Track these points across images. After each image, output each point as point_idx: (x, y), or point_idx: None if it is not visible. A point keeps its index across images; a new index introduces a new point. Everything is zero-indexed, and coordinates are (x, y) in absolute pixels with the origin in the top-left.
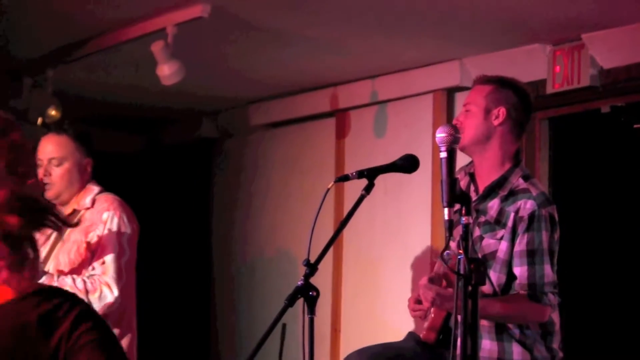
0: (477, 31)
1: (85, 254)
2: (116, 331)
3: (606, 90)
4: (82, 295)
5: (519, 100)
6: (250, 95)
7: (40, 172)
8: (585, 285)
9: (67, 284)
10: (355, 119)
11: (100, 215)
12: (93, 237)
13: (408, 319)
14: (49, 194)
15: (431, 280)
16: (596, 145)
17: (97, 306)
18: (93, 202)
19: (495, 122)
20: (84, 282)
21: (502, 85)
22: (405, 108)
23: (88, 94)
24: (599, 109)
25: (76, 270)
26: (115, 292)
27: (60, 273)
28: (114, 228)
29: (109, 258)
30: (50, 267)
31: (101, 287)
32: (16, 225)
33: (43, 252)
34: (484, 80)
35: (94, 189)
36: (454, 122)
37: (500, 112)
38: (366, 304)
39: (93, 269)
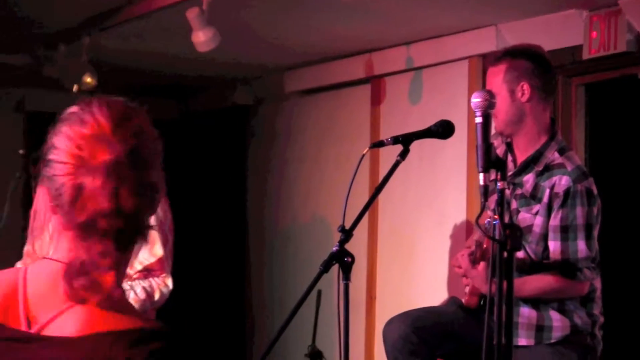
0: None
1: None
2: None
3: None
4: (147, 303)
5: (536, 65)
6: (285, 62)
7: None
8: (622, 253)
9: (130, 296)
10: (390, 85)
11: None
12: None
13: (443, 284)
14: None
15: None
16: (632, 111)
17: (158, 304)
18: None
19: (523, 99)
20: (144, 289)
21: (513, 57)
22: (440, 74)
23: (123, 62)
24: (635, 74)
25: None
26: (170, 285)
27: None
28: (157, 218)
29: (158, 251)
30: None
31: (159, 288)
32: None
33: None
34: (494, 60)
35: None
36: None
37: (524, 88)
38: (401, 270)
39: (141, 263)
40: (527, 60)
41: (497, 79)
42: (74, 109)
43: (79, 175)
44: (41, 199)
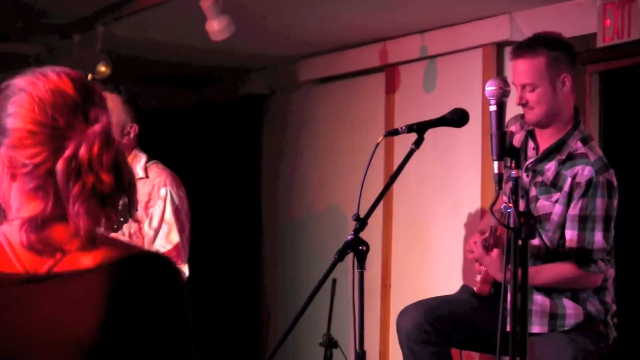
0: None
1: (146, 231)
2: None
3: None
4: None
5: (570, 55)
6: (300, 51)
7: None
8: (637, 242)
9: None
10: (404, 73)
11: (158, 190)
12: (154, 214)
13: (458, 273)
14: None
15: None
16: None
17: None
18: (145, 171)
19: (565, 90)
20: None
21: (551, 48)
22: (454, 63)
23: (137, 51)
24: None
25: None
26: (187, 272)
27: None
28: (174, 205)
29: (175, 238)
30: None
31: None
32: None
33: None
34: (529, 51)
35: (142, 156)
36: (522, 102)
37: (566, 79)
38: (416, 258)
39: (157, 250)
40: (564, 52)
41: (537, 70)
42: (17, 82)
43: (62, 145)
44: None
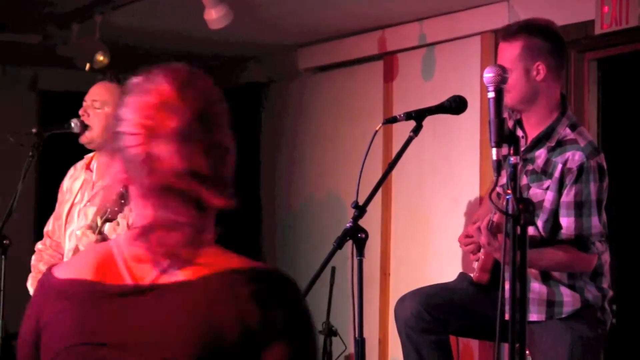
0: None
1: None
2: None
3: None
4: None
5: (552, 44)
6: (298, 39)
7: (81, 110)
8: (635, 228)
9: None
10: (403, 61)
11: None
12: None
13: (457, 261)
14: (83, 139)
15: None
16: None
17: None
18: None
19: (538, 78)
20: None
21: (529, 34)
22: (453, 50)
23: (136, 40)
24: None
25: None
26: None
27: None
28: None
29: None
30: (105, 228)
31: None
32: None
33: (89, 212)
34: (508, 35)
35: None
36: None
37: (540, 68)
38: (415, 246)
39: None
40: (544, 39)
41: (512, 55)
42: (136, 79)
43: (151, 144)
44: (113, 172)
